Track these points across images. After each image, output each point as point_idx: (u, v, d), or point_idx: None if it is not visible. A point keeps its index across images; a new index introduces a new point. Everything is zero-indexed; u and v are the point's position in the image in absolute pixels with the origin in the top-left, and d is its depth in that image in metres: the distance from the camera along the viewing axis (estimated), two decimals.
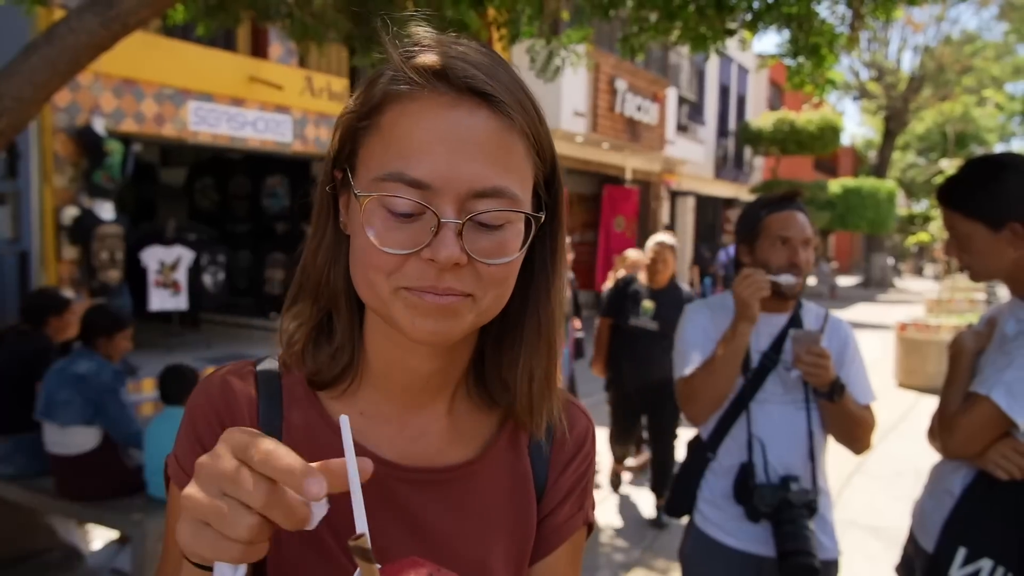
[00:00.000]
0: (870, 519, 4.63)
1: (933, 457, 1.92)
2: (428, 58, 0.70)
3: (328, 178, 0.79)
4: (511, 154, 0.71)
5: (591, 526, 0.93)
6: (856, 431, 2.04)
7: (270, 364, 0.84)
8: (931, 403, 7.56)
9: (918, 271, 42.64)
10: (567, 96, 11.85)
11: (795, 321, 2.12)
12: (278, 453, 0.54)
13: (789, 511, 1.95)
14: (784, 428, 2.06)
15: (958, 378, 1.85)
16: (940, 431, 1.82)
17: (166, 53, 7.63)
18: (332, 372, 0.81)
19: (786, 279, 2.00)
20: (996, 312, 1.91)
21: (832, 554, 2.08)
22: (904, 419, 7.74)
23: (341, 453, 0.81)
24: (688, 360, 2.13)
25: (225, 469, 0.55)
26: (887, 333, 11.73)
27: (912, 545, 1.94)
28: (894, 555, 4.17)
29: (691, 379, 2.09)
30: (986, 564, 1.65)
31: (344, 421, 0.60)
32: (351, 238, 0.76)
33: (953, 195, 1.79)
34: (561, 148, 13.31)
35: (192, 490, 0.56)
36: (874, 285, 27.93)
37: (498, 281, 0.72)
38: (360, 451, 0.79)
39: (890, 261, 29.73)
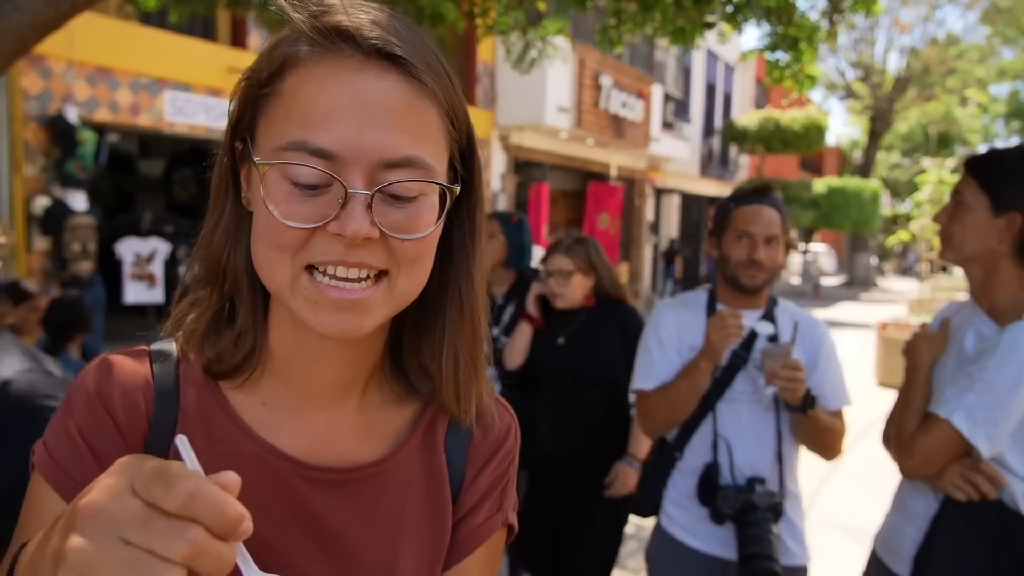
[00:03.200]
0: (847, 519, 4.60)
1: None
2: (332, 19, 0.65)
3: (228, 150, 0.72)
4: (423, 122, 0.66)
5: (512, 528, 0.87)
6: (826, 440, 2.00)
7: (167, 348, 0.78)
8: None
9: (903, 271, 42.91)
10: (551, 91, 11.79)
11: (769, 319, 2.06)
12: (206, 493, 0.45)
13: (753, 513, 1.90)
14: (752, 428, 2.01)
15: (915, 394, 1.79)
16: (898, 452, 1.78)
17: (142, 41, 7.50)
18: (233, 360, 0.75)
19: (764, 328, 1.93)
20: (952, 314, 1.86)
21: (799, 560, 2.02)
22: (883, 418, 7.74)
23: (238, 443, 0.75)
24: (649, 370, 2.09)
25: (128, 514, 0.44)
26: (869, 332, 11.76)
27: (876, 570, 1.88)
28: (864, 553, 4.17)
29: (649, 397, 2.07)
30: None
31: (182, 442, 0.51)
32: (253, 215, 0.70)
33: (980, 163, 1.73)
34: (545, 144, 13.33)
35: (79, 542, 0.43)
36: (858, 284, 28.07)
37: (412, 258, 0.67)
38: (262, 446, 0.74)
39: (874, 261, 29.87)
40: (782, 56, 4.06)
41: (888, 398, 1.84)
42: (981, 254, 1.70)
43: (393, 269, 0.67)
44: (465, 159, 0.74)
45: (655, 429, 2.10)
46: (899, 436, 1.79)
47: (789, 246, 2.04)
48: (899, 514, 1.84)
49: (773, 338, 2.02)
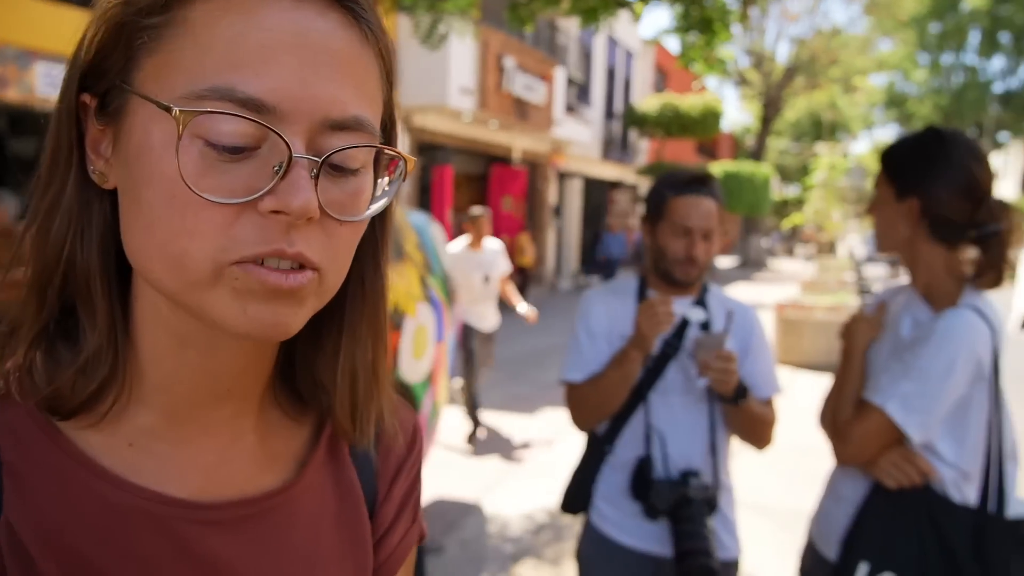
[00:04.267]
0: (754, 497, 4.68)
1: (811, 432, 1.89)
2: None
3: (72, 105, 0.54)
4: (368, 77, 0.53)
5: (423, 535, 0.77)
6: (758, 430, 1.96)
7: None
8: (807, 379, 7.79)
9: (789, 252, 44.91)
10: (454, 72, 11.59)
11: (700, 304, 2.00)
12: None
13: (688, 508, 1.84)
14: (685, 420, 1.95)
15: (850, 379, 1.78)
16: (834, 438, 1.77)
17: (9, 8, 6.90)
18: (83, 393, 0.56)
19: (696, 315, 1.86)
20: (889, 298, 1.85)
21: (733, 553, 1.98)
22: (783, 395, 8.02)
23: (103, 496, 0.55)
24: (578, 361, 2.00)
25: None
26: (765, 312, 12.21)
27: (810, 555, 1.88)
28: (779, 533, 4.27)
29: (578, 389, 1.98)
30: None
31: None
32: (122, 194, 0.53)
33: (887, 153, 1.76)
34: (448, 126, 13.14)
35: None
36: (751, 265, 29.18)
37: (346, 246, 0.54)
38: (137, 494, 0.57)
39: (765, 243, 31.12)
40: (692, 38, 4.06)
41: (788, 376, 1.86)
42: (899, 243, 1.73)
43: (325, 264, 0.53)
44: (386, 127, 0.60)
45: (585, 422, 2.02)
46: (834, 421, 1.78)
47: (725, 232, 1.99)
48: (830, 497, 1.85)
49: (705, 325, 1.95)
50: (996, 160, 35.47)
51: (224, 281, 0.50)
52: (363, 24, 0.53)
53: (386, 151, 0.55)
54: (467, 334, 5.88)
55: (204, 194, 0.48)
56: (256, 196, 0.49)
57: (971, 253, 1.66)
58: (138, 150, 0.51)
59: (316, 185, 0.49)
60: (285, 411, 0.68)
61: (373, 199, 0.56)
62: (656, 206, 1.96)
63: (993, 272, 1.63)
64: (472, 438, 5.87)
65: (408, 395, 3.26)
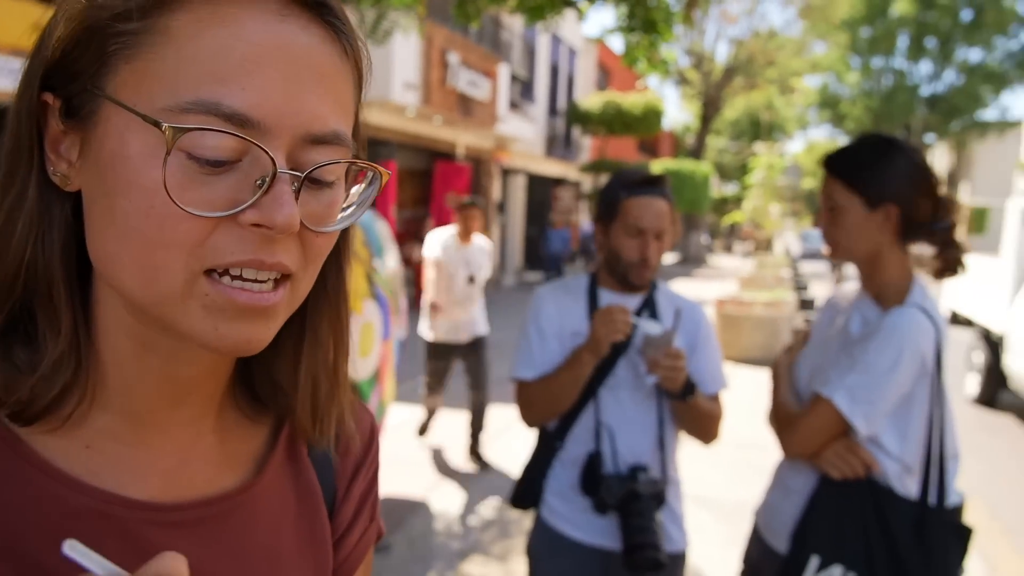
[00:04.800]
0: (694, 489, 4.77)
1: (751, 426, 1.96)
2: None
3: (33, 104, 0.53)
4: (346, 90, 0.54)
5: (381, 533, 0.79)
6: (705, 425, 1.99)
7: None
8: (747, 373, 7.95)
9: (728, 249, 45.83)
10: (398, 67, 11.49)
11: (649, 304, 2.03)
12: None
13: (636, 503, 1.87)
14: (634, 415, 1.98)
15: (781, 384, 1.92)
16: (780, 431, 1.83)
17: None
18: (44, 399, 0.55)
19: (650, 327, 1.89)
20: (839, 299, 1.93)
21: (680, 546, 2.02)
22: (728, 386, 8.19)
23: (63, 501, 0.53)
24: (528, 359, 2.01)
25: None
26: (704, 308, 12.45)
27: (757, 547, 1.92)
28: (722, 525, 4.36)
29: (529, 388, 1.99)
30: (837, 572, 1.67)
31: (74, 548, 0.41)
32: (89, 200, 0.52)
33: (839, 163, 1.76)
34: (392, 121, 13.01)
35: None
36: (691, 262, 29.68)
37: (319, 256, 0.55)
38: (97, 497, 0.56)
39: (704, 240, 31.69)
40: (637, 38, 4.11)
41: (728, 371, 1.95)
42: (867, 249, 1.75)
43: (300, 273, 0.54)
44: (354, 134, 0.62)
45: (535, 419, 2.03)
46: (780, 419, 1.83)
47: (676, 234, 2.02)
48: (778, 491, 1.89)
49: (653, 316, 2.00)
50: None
51: (195, 295, 0.50)
52: (343, 39, 0.54)
53: (363, 166, 0.56)
54: (435, 352, 5.26)
55: (186, 207, 0.47)
56: (239, 210, 0.49)
57: (928, 250, 1.74)
58: (112, 158, 0.50)
59: (297, 199, 0.50)
60: (244, 412, 0.68)
61: (343, 208, 0.57)
62: (610, 206, 1.98)
63: (951, 263, 1.71)
64: (474, 458, 5.36)
65: (355, 393, 3.23)
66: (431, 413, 5.55)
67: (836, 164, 1.76)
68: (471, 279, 5.10)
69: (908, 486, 1.69)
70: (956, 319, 8.93)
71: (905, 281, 1.74)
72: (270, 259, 0.50)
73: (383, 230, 4.02)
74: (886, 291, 1.75)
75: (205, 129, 0.47)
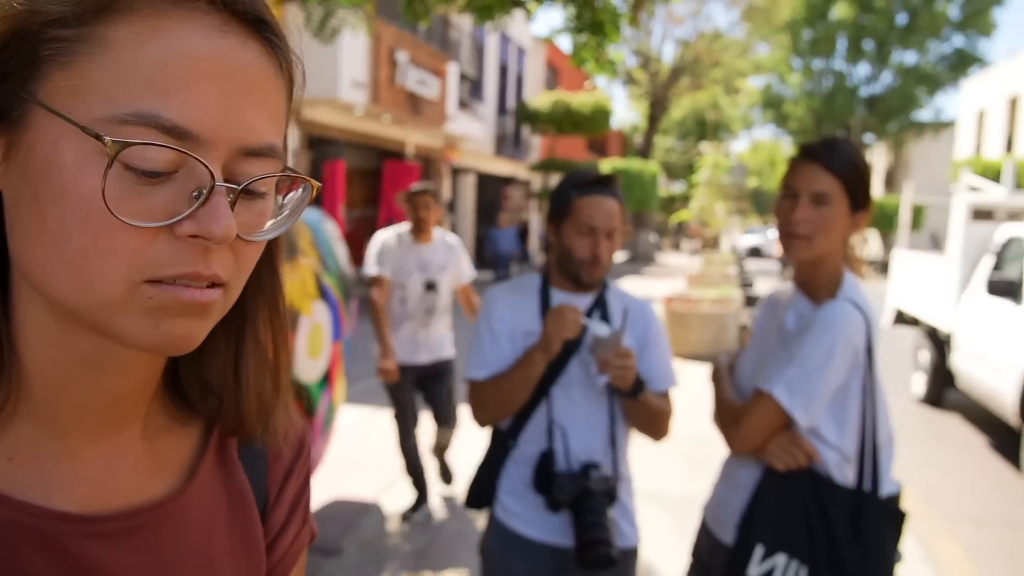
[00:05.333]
0: (645, 484, 4.84)
1: (700, 421, 2.01)
2: None
3: None
4: (279, 105, 0.56)
5: (314, 535, 0.79)
6: (655, 422, 2.02)
7: None
8: (695, 369, 8.03)
9: (676, 247, 46.48)
10: (346, 65, 11.38)
11: (600, 303, 2.06)
12: None
13: (589, 500, 1.89)
14: (586, 413, 2.00)
15: (721, 384, 1.97)
16: (724, 428, 1.87)
17: None
18: None
19: (599, 329, 1.90)
20: (778, 296, 1.98)
21: (631, 541, 2.05)
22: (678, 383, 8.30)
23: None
24: (480, 359, 2.03)
25: None
26: (654, 305, 12.65)
27: (706, 540, 1.96)
28: (672, 519, 4.43)
29: (481, 387, 2.00)
30: (780, 560, 1.71)
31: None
32: (15, 205, 0.51)
33: (832, 157, 1.74)
34: (340, 120, 12.87)
35: None
36: (640, 260, 30.02)
37: (250, 263, 0.56)
38: (21, 510, 0.55)
39: (653, 238, 32.09)
40: (584, 38, 4.14)
41: (676, 367, 1.99)
42: (830, 249, 1.78)
43: (233, 281, 0.55)
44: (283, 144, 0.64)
45: (488, 419, 2.04)
46: (723, 414, 1.88)
47: (625, 233, 2.05)
48: (725, 485, 1.94)
49: (604, 319, 2.02)
50: None
51: (137, 300, 0.50)
52: (279, 55, 0.55)
53: (295, 177, 0.57)
54: (398, 380, 4.16)
55: (124, 218, 0.48)
56: (175, 220, 0.49)
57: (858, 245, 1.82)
58: (45, 166, 0.49)
59: (232, 210, 0.51)
60: (172, 416, 0.67)
61: (275, 216, 0.58)
62: (561, 206, 2.00)
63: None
64: (414, 510, 4.40)
65: (304, 395, 3.19)
66: (417, 476, 4.35)
67: (828, 157, 1.74)
68: (429, 285, 4.13)
69: (846, 474, 1.75)
70: (902, 318, 8.63)
71: (837, 276, 1.80)
72: (207, 271, 0.51)
73: (331, 230, 3.98)
74: (820, 287, 1.81)
75: (149, 144, 0.47)
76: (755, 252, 31.52)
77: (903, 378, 8.31)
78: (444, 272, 4.15)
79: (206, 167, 0.49)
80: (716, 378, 2.00)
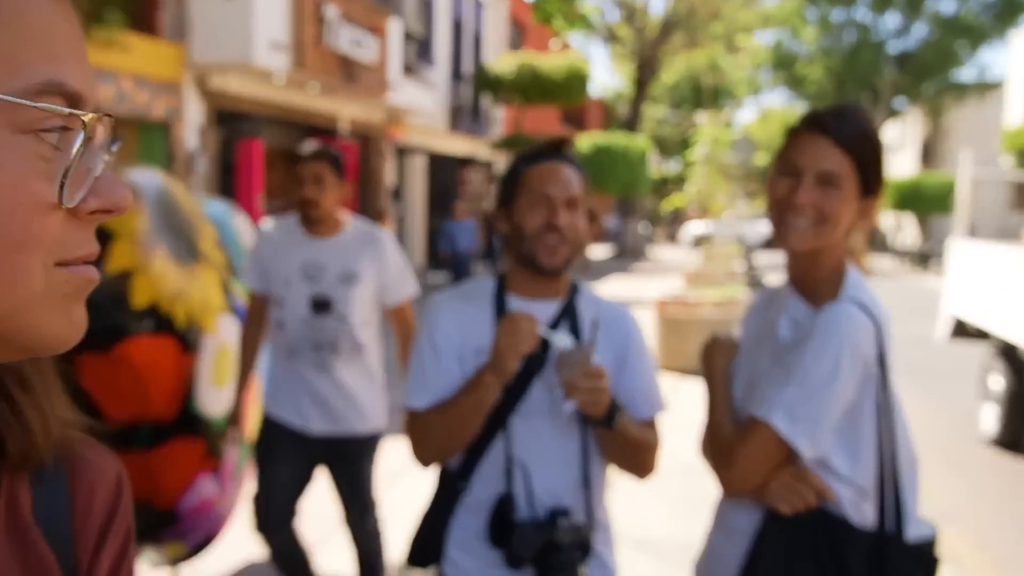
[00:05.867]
0: (637, 529, 4.85)
1: (696, 451, 2.00)
2: None
3: None
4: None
5: None
6: (638, 457, 2.02)
7: None
8: (693, 387, 8.03)
9: (671, 238, 46.86)
10: (262, 23, 11.30)
11: (569, 312, 2.04)
12: None
13: (557, 555, 1.89)
14: (553, 448, 1.99)
15: (718, 400, 1.93)
16: (717, 464, 1.86)
17: None
18: None
19: (561, 340, 1.89)
20: (765, 303, 1.99)
21: None
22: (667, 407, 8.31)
23: None
24: (421, 384, 2.01)
25: None
26: (644, 310, 12.64)
27: None
28: (667, 571, 4.43)
29: (422, 418, 1.99)
30: None
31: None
32: None
33: (845, 128, 1.75)
34: (256, 90, 12.83)
35: None
36: (628, 255, 30.22)
37: None
38: None
39: (643, 228, 32.32)
40: None
41: (674, 384, 1.96)
42: (837, 241, 1.80)
43: None
44: None
45: (430, 457, 2.02)
46: (714, 446, 1.87)
47: (594, 217, 2.04)
48: (720, 532, 1.93)
49: (575, 334, 2.01)
50: (892, 131, 38.38)
51: (53, 287, 0.55)
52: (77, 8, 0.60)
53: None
54: (261, 442, 3.39)
55: (46, 199, 0.52)
56: (81, 197, 0.54)
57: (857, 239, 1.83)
58: None
59: None
60: None
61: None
62: (510, 185, 2.01)
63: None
64: None
65: (208, 434, 3.14)
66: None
67: (838, 129, 1.74)
68: (319, 304, 3.21)
69: (864, 513, 1.75)
70: (963, 330, 7.76)
71: (839, 272, 1.80)
72: (95, 248, 0.58)
73: (243, 227, 3.93)
74: (819, 286, 1.81)
75: (74, 114, 0.53)
76: (771, 244, 31.83)
77: (967, 411, 7.94)
78: (353, 284, 3.24)
79: (98, 133, 0.55)
80: (713, 391, 1.97)
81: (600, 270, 24.95)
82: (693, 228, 35.65)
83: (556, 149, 2.02)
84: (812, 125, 1.77)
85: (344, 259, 3.26)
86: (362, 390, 3.32)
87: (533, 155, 2.02)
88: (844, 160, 1.74)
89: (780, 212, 1.80)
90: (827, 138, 1.75)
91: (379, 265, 3.31)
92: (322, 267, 3.23)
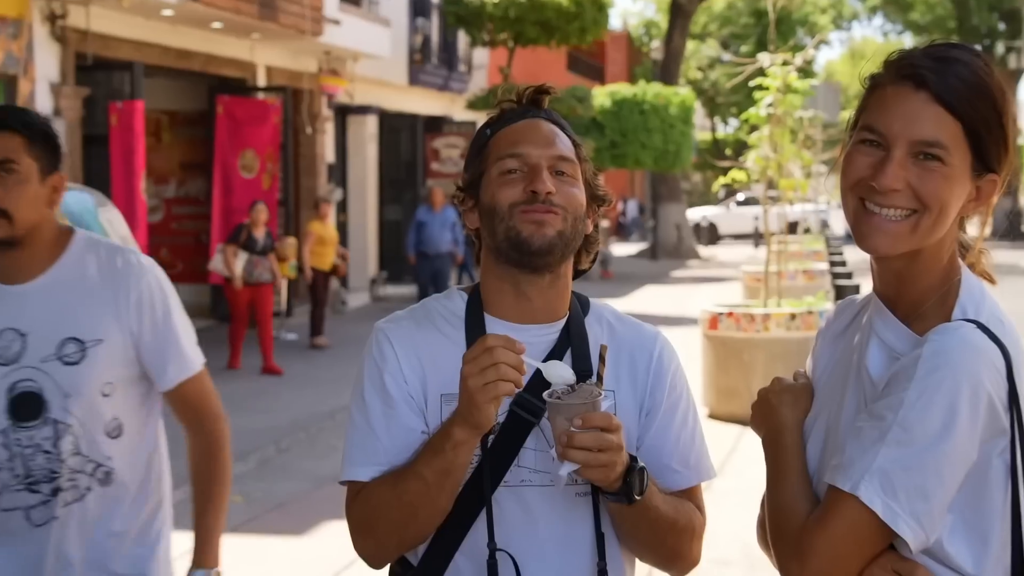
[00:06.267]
0: None
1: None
2: None
3: None
4: None
5: None
6: (672, 543, 2.02)
7: None
8: (757, 440, 8.05)
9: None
10: None
11: (574, 336, 2.04)
12: None
13: None
14: (554, 531, 1.99)
15: (787, 471, 1.89)
16: (783, 556, 1.82)
17: None
18: None
19: (556, 375, 1.84)
20: (843, 323, 1.97)
21: None
22: (722, 472, 8.32)
23: None
24: (362, 447, 2.00)
25: None
26: (689, 332, 12.55)
27: None
28: None
29: (369, 497, 1.95)
30: None
31: None
32: None
33: (950, 79, 1.72)
34: (135, 29, 12.98)
35: None
36: (665, 255, 30.15)
37: None
38: None
39: (687, 215, 32.33)
40: None
41: (726, 438, 1.96)
42: (945, 238, 1.78)
43: None
44: None
45: (382, 551, 2.02)
46: (782, 533, 1.85)
47: (597, 196, 2.03)
48: None
49: (584, 375, 1.96)
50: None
51: None
52: None
53: None
54: None
55: None
56: None
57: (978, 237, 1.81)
58: None
59: None
60: None
61: None
62: (475, 159, 2.03)
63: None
64: None
65: None
66: None
67: (941, 81, 1.71)
68: (23, 402, 2.64)
69: None
70: None
71: (950, 282, 1.79)
72: None
73: (115, 221, 3.94)
74: (919, 302, 1.80)
75: None
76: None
77: None
78: (84, 359, 2.66)
79: None
80: (779, 456, 1.94)
81: (627, 277, 24.92)
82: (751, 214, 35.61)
83: (532, 103, 2.03)
84: (903, 74, 1.74)
85: (63, 315, 2.67)
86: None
87: (502, 117, 2.03)
88: (950, 124, 1.71)
89: (860, 199, 1.78)
90: (925, 93, 1.72)
91: (134, 318, 2.71)
92: (21, 336, 2.65)
